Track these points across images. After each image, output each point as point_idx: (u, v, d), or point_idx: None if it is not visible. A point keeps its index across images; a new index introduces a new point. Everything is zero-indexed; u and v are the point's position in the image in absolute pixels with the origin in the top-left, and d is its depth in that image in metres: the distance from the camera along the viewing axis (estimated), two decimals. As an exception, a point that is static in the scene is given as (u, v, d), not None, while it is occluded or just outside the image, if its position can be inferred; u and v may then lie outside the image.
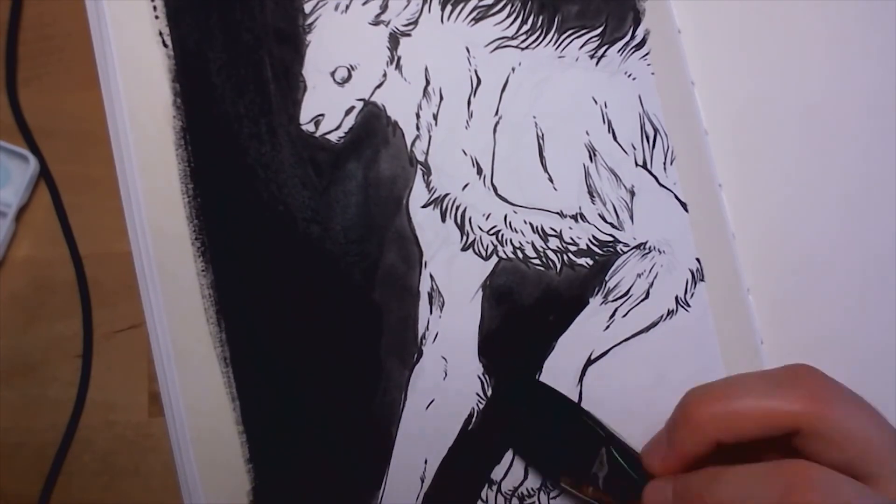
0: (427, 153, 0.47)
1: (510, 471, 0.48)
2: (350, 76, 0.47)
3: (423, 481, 0.47)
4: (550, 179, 0.48)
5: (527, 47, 0.48)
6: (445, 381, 0.47)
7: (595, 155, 0.48)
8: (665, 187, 0.48)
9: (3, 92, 0.48)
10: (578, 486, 0.44)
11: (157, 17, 0.46)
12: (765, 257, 0.49)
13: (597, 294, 0.48)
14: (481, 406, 0.47)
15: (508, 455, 0.47)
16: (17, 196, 0.47)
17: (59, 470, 0.47)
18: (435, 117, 0.47)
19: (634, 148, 0.48)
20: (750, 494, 0.36)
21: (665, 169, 0.48)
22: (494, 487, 0.48)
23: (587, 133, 0.48)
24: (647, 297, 0.48)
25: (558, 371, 0.47)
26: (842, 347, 0.49)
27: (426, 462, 0.47)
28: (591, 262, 0.48)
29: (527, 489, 0.48)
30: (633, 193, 0.48)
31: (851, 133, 0.50)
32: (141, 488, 0.47)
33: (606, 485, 0.43)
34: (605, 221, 0.48)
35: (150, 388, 0.47)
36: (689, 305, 0.48)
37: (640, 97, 0.48)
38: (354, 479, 0.47)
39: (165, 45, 0.46)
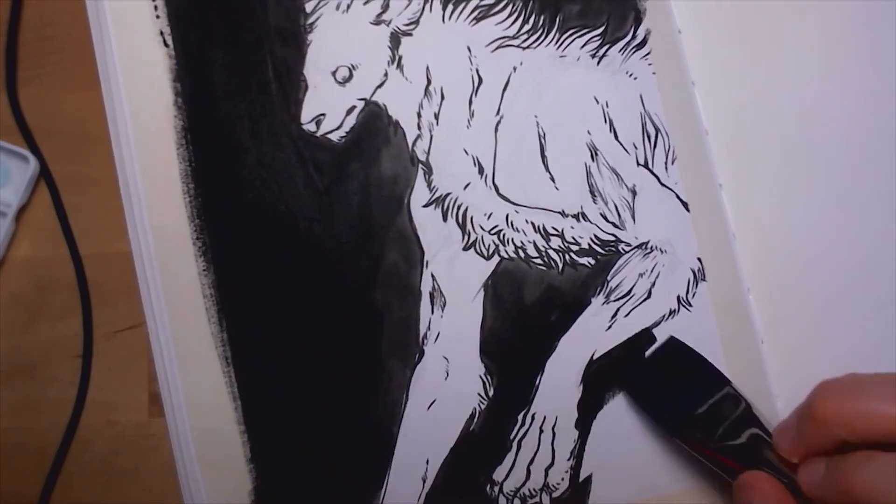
0: (428, 153, 0.47)
1: (512, 471, 0.47)
2: (351, 75, 0.47)
3: (424, 481, 0.47)
4: (552, 179, 0.48)
5: (528, 47, 0.48)
6: (447, 381, 0.47)
7: (597, 154, 0.48)
8: (666, 187, 0.48)
9: (3, 92, 0.48)
10: (697, 443, 0.44)
11: (157, 17, 0.46)
12: (765, 257, 0.49)
13: (599, 294, 0.48)
14: (483, 406, 0.47)
15: (511, 455, 0.47)
16: (18, 196, 0.47)
17: (59, 470, 0.46)
18: (436, 117, 0.47)
19: (636, 147, 0.48)
20: None
21: (666, 168, 0.48)
22: (496, 488, 0.47)
23: (589, 132, 0.48)
24: (648, 296, 0.48)
25: (560, 371, 0.47)
26: (842, 347, 0.49)
27: (428, 462, 0.47)
28: (592, 262, 0.48)
29: (529, 489, 0.47)
30: (634, 193, 0.48)
31: (851, 133, 0.50)
32: (141, 488, 0.47)
33: (732, 449, 0.44)
34: (607, 221, 0.48)
35: (150, 388, 0.47)
36: (690, 305, 0.48)
37: (641, 97, 0.48)
38: (356, 479, 0.47)
39: (166, 45, 0.46)
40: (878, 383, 0.39)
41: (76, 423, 0.47)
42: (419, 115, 0.47)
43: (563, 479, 0.48)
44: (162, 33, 0.46)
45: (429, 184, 0.47)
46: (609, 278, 0.48)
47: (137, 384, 0.47)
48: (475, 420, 0.47)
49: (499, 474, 0.47)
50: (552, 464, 0.48)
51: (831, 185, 0.48)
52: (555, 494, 0.47)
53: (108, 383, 0.47)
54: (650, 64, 0.48)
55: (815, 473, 0.40)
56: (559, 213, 0.48)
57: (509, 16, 0.47)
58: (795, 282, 0.49)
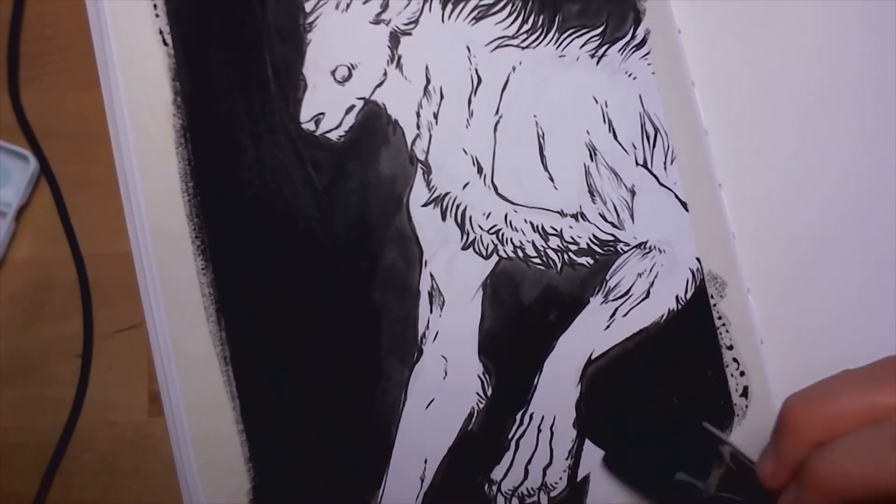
0: (427, 152, 0.47)
1: (510, 470, 0.48)
2: (350, 75, 0.47)
3: (422, 481, 0.47)
4: (551, 178, 0.48)
5: (527, 46, 0.48)
6: (445, 381, 0.47)
7: (595, 154, 0.48)
8: (665, 187, 0.48)
9: (5, 92, 0.48)
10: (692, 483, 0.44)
11: (157, 16, 0.46)
12: (765, 257, 0.49)
13: (597, 293, 0.48)
14: (481, 405, 0.47)
15: (509, 455, 0.47)
16: (17, 196, 0.47)
17: (55, 470, 0.47)
18: (435, 116, 0.47)
19: (635, 147, 0.48)
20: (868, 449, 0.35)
21: (665, 168, 0.48)
22: (495, 487, 0.48)
23: (588, 132, 0.48)
24: (647, 296, 0.48)
25: (559, 370, 0.47)
26: (842, 347, 0.49)
27: (426, 462, 0.47)
28: (591, 262, 0.48)
29: (527, 489, 0.48)
30: (633, 193, 0.48)
31: (851, 133, 0.50)
32: (141, 488, 0.47)
33: (724, 483, 0.43)
34: (606, 221, 0.48)
35: (150, 388, 0.47)
36: (689, 305, 0.48)
37: (640, 97, 0.48)
38: (354, 479, 0.47)
39: (166, 44, 0.46)
40: (841, 380, 0.39)
41: (74, 424, 0.47)
42: (418, 115, 0.47)
43: (561, 479, 0.48)
44: (161, 32, 0.46)
45: (428, 183, 0.47)
46: (608, 278, 0.48)
47: (137, 384, 0.47)
48: (473, 419, 0.47)
49: (497, 473, 0.48)
50: (550, 463, 0.48)
51: (832, 184, 0.48)
52: (553, 494, 0.48)
53: (108, 383, 0.47)
54: (649, 64, 0.48)
55: (788, 491, 0.39)
56: (558, 212, 0.48)
57: (509, 15, 0.47)
58: (795, 282, 0.49)
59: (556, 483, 0.48)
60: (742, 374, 0.48)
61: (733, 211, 0.48)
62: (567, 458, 0.48)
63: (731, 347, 0.48)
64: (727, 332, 0.48)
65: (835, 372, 0.47)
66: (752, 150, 0.49)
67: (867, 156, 0.49)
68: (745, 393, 0.48)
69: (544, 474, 0.48)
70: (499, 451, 0.48)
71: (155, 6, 0.46)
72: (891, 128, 0.50)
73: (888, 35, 0.50)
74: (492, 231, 0.47)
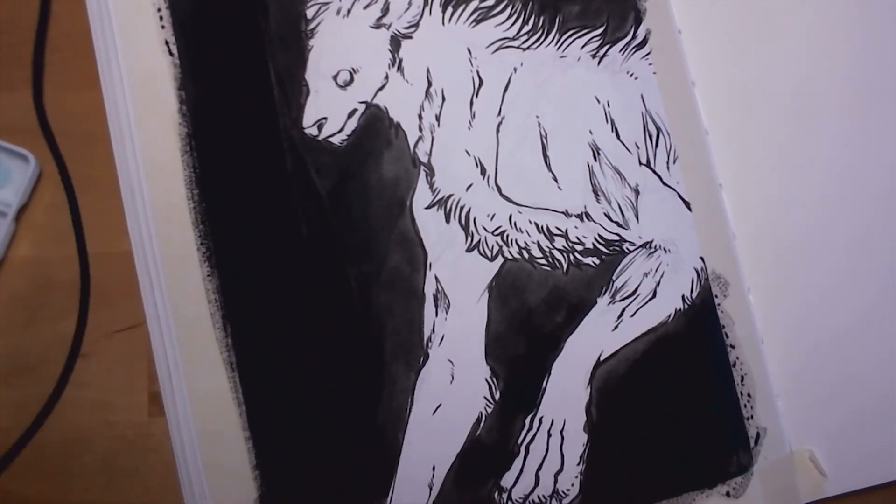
0: (430, 154, 0.47)
1: (521, 477, 0.47)
2: (352, 79, 0.47)
3: (431, 489, 0.46)
4: (555, 179, 0.48)
5: (528, 48, 0.48)
6: (452, 385, 0.47)
7: (599, 154, 0.48)
8: (669, 186, 0.48)
9: (5, 91, 0.48)
10: None
11: (163, 27, 0.47)
12: (765, 257, 0.48)
13: (604, 294, 0.47)
14: (490, 409, 0.47)
15: (519, 460, 0.47)
16: (18, 196, 0.47)
17: (15, 455, 0.46)
18: (437, 118, 0.47)
19: (638, 147, 0.48)
20: None
21: (668, 168, 0.48)
22: (505, 495, 0.47)
23: (590, 132, 0.48)
24: (654, 296, 0.47)
25: (567, 373, 0.47)
26: (841, 346, 0.49)
27: (434, 469, 0.46)
28: (597, 262, 0.47)
29: (538, 496, 0.47)
30: (637, 192, 0.48)
31: (850, 132, 0.50)
32: (141, 488, 0.46)
33: None
34: (611, 220, 0.48)
35: (150, 388, 0.47)
36: (694, 305, 0.47)
37: (642, 96, 0.48)
38: (361, 487, 0.46)
39: (171, 54, 0.47)
40: None
41: (42, 421, 0.46)
42: (420, 118, 0.47)
43: (573, 485, 0.47)
44: (167, 43, 0.47)
45: (431, 185, 0.47)
46: (614, 278, 0.47)
47: (137, 384, 0.47)
48: (482, 424, 0.47)
49: (507, 480, 0.47)
50: (562, 469, 0.47)
51: (831, 184, 0.48)
52: (565, 501, 0.47)
53: (107, 383, 0.47)
54: (650, 64, 0.48)
55: None
56: (563, 213, 0.47)
57: (509, 17, 0.48)
58: (795, 281, 0.49)
59: (569, 490, 0.47)
60: (746, 374, 0.47)
61: (733, 211, 0.48)
62: (579, 464, 0.47)
63: (733, 347, 0.47)
64: (731, 331, 0.47)
65: (833, 371, 0.46)
66: (752, 150, 0.49)
67: (865, 155, 0.49)
68: (750, 392, 0.47)
69: (556, 481, 0.47)
70: (508, 456, 0.47)
71: (161, 17, 0.47)
72: (890, 128, 0.49)
73: (887, 37, 0.50)
74: (496, 232, 0.47)
